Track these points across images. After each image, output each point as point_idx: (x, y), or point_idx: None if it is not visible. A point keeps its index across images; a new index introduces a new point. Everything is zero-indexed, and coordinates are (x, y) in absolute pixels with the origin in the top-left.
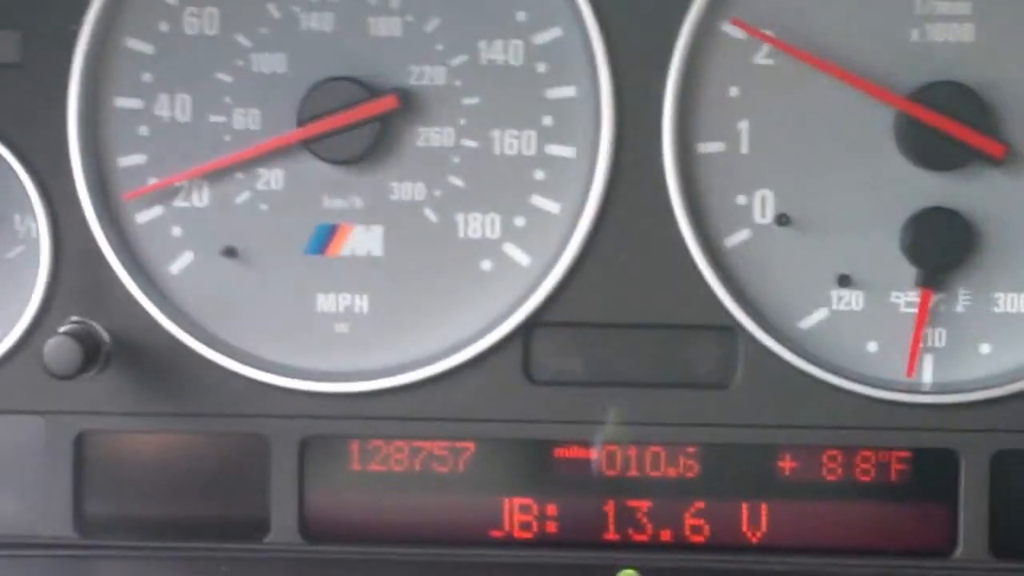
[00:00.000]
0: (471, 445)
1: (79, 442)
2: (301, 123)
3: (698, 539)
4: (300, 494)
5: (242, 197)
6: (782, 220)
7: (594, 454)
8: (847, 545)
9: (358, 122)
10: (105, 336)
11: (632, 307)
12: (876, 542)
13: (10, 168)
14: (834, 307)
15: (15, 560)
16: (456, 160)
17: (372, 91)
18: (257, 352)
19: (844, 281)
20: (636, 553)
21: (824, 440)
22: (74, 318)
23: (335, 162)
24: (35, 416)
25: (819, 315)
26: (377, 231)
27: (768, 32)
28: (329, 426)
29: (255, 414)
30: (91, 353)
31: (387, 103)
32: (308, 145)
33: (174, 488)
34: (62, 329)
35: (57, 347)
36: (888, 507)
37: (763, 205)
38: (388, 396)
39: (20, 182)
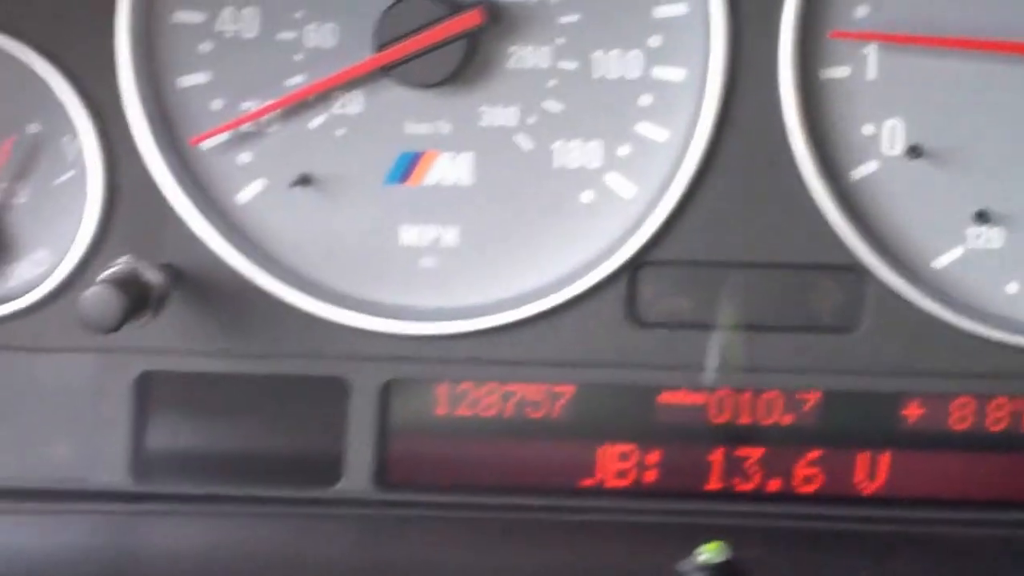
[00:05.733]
0: (570, 389)
1: (137, 383)
2: (379, 46)
3: (808, 489)
4: (380, 439)
5: (317, 121)
6: (914, 152)
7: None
8: (973, 497)
9: (441, 42)
10: (154, 279)
11: (747, 244)
12: (1005, 494)
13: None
14: (970, 245)
15: (66, 513)
16: (552, 83)
17: (455, 7)
18: (336, 288)
19: (982, 217)
20: (739, 504)
21: (955, 387)
22: (119, 260)
23: (418, 86)
24: (89, 355)
25: (953, 254)
26: (466, 159)
27: None
28: (415, 369)
29: (334, 355)
30: (137, 301)
31: (472, 18)
32: (388, 71)
33: (237, 429)
34: (102, 276)
35: (96, 298)
36: (1020, 458)
37: (892, 135)
38: (480, 337)
39: (67, 103)
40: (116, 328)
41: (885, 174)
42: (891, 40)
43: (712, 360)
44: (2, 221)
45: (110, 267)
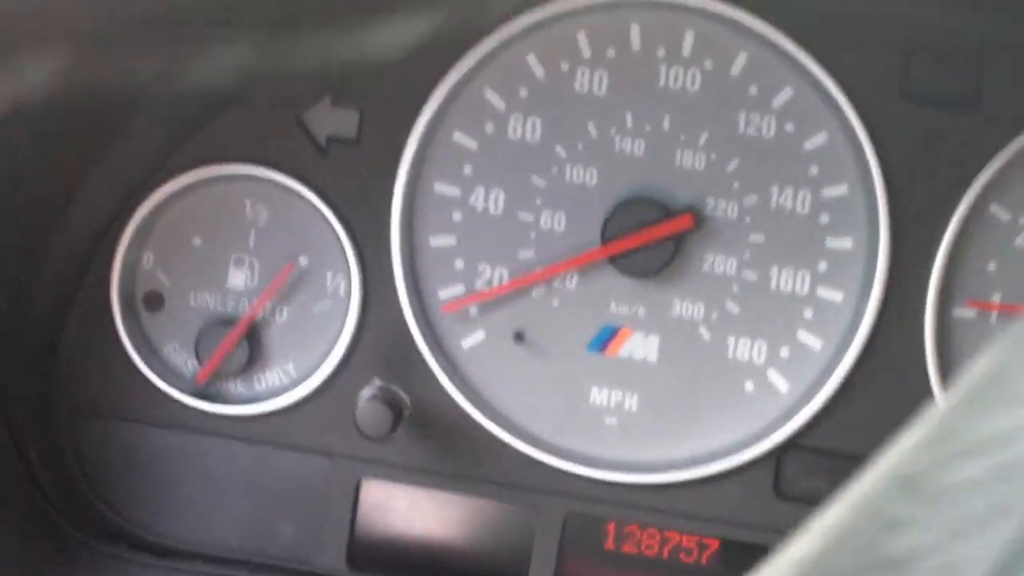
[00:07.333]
0: (717, 544)
1: (359, 487)
2: (606, 239)
3: None
4: (559, 563)
5: (537, 290)
6: None
7: None
8: None
9: (655, 240)
10: (408, 401)
11: (878, 443)
12: None
13: (334, 233)
14: None
15: None
16: (735, 288)
17: (668, 212)
18: (533, 431)
19: None
20: None
21: None
22: (378, 382)
23: (632, 275)
24: (322, 457)
25: None
26: (654, 340)
27: None
28: (592, 507)
29: (526, 487)
30: (397, 419)
31: (684, 222)
32: (610, 260)
33: (439, 542)
34: (372, 394)
35: (374, 411)
36: None
37: None
38: (647, 489)
39: (341, 247)
40: (386, 437)
41: None
42: (1009, 310)
43: None
44: (263, 334)
45: (375, 386)
